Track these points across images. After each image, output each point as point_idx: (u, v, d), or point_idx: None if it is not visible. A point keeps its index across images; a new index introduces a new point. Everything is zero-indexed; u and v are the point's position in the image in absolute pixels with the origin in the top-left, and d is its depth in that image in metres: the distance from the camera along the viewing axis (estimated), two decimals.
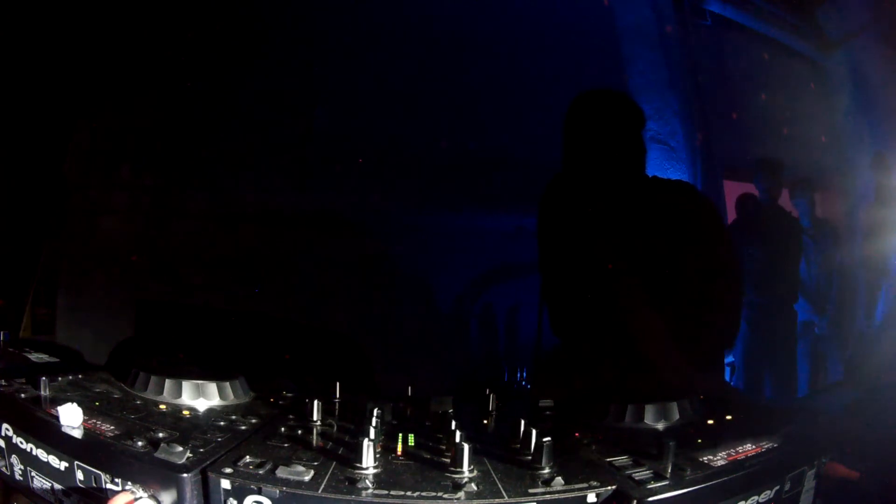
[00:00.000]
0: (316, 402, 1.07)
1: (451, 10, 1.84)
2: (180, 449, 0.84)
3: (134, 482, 0.83)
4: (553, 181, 1.57)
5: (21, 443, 0.92)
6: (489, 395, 1.24)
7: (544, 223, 1.57)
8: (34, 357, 1.28)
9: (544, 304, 1.67)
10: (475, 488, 0.82)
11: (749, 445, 0.99)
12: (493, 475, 0.86)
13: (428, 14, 1.83)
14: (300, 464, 0.84)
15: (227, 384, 1.14)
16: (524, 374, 1.84)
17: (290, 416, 1.09)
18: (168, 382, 1.10)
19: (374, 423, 0.99)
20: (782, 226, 1.84)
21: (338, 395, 1.25)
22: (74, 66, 1.75)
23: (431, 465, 0.89)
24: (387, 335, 1.79)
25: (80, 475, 0.87)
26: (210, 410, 1.09)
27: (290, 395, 1.26)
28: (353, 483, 0.81)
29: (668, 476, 0.86)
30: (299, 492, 0.79)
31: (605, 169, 1.55)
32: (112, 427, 0.92)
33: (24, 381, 1.05)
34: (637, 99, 1.78)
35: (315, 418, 1.06)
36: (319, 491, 0.79)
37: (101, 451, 0.86)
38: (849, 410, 1.40)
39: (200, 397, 1.10)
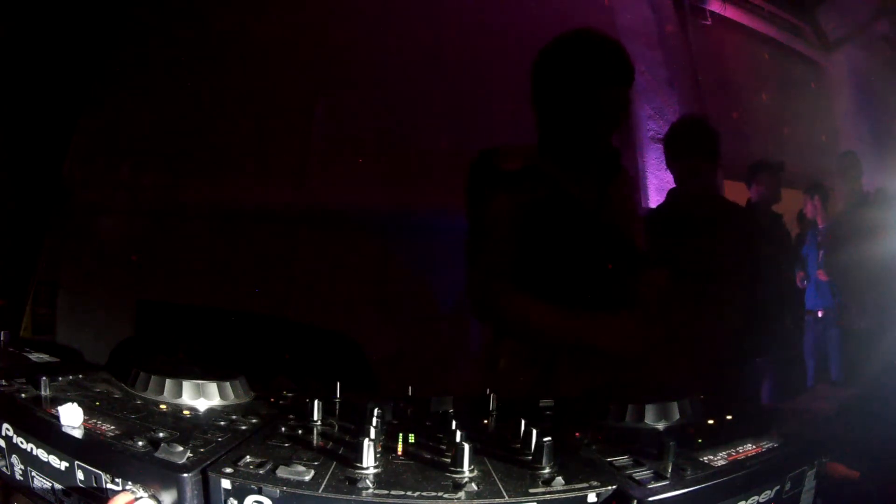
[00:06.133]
0: (316, 401, 1.07)
1: (451, 9, 1.84)
2: (181, 449, 0.84)
3: (134, 482, 0.83)
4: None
5: (21, 443, 0.92)
6: (489, 395, 1.24)
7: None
8: (34, 357, 1.28)
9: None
10: (475, 488, 0.82)
11: (749, 445, 0.99)
12: (494, 475, 0.86)
13: (429, 13, 1.83)
14: (300, 463, 0.84)
15: (228, 384, 1.14)
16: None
17: (291, 416, 1.08)
18: (168, 382, 1.10)
19: (374, 423, 0.99)
20: (773, 229, 1.84)
21: (338, 395, 1.25)
22: (75, 66, 1.75)
23: (432, 464, 0.89)
24: (387, 335, 1.78)
25: (80, 475, 0.87)
26: (210, 410, 1.09)
27: (290, 394, 1.26)
28: (353, 483, 0.81)
29: (668, 476, 0.86)
30: (299, 491, 0.79)
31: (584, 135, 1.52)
32: (112, 427, 0.92)
33: (24, 380, 1.05)
34: (637, 99, 1.78)
35: (315, 418, 1.06)
36: (320, 491, 0.79)
37: (102, 451, 0.86)
38: (849, 410, 1.40)
39: (201, 397, 1.11)
